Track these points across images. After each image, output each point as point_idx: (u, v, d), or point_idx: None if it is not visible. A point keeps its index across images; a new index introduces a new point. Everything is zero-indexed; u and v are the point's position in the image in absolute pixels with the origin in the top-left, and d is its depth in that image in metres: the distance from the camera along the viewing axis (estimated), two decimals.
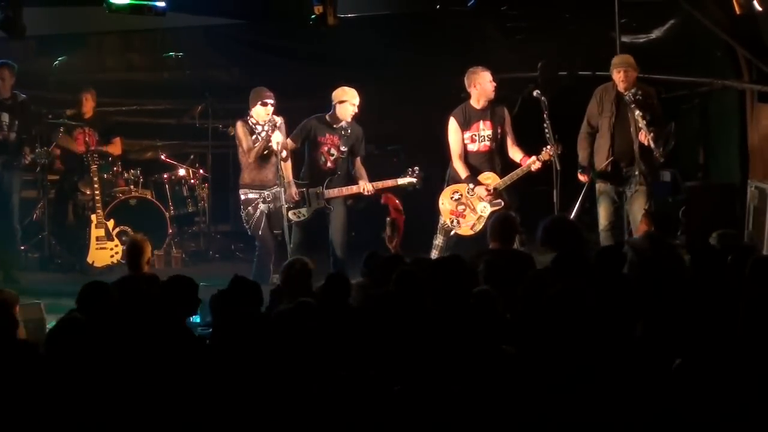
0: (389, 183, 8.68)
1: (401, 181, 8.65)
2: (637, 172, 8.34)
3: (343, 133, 8.68)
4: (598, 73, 10.05)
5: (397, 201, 7.85)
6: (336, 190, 8.65)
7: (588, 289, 5.19)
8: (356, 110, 8.61)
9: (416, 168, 8.66)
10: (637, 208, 8.29)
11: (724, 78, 10.31)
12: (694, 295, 5.18)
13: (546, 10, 10.53)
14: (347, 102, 8.60)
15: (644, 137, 8.19)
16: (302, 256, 8.30)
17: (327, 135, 8.68)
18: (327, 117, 8.67)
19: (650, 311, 4.82)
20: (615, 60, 8.49)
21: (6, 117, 9.09)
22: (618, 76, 8.35)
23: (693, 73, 10.57)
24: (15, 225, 9.26)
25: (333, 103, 8.64)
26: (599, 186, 8.51)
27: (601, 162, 8.42)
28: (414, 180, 8.61)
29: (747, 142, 10.14)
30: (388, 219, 7.34)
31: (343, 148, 8.68)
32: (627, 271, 6.00)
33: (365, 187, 8.64)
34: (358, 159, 8.79)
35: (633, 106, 8.21)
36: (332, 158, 8.70)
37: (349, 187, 8.68)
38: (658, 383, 4.13)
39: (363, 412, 4.20)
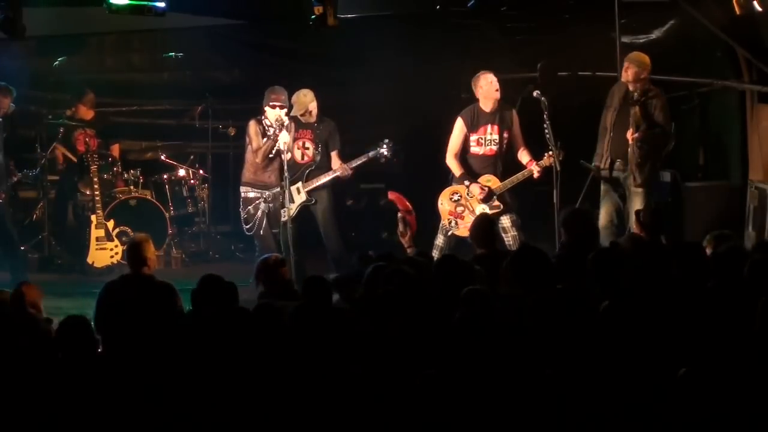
0: (362, 158, 8.78)
1: (371, 153, 8.74)
2: (628, 172, 8.34)
3: (315, 126, 8.77)
4: (598, 73, 10.06)
5: (406, 202, 7.87)
6: (315, 180, 8.69)
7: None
8: (311, 112, 8.64)
9: (386, 140, 8.70)
10: (632, 207, 8.29)
11: (724, 78, 10.30)
12: (680, 297, 5.15)
13: (546, 11, 10.52)
14: (298, 107, 8.64)
15: (630, 135, 8.22)
16: (297, 254, 8.43)
17: (300, 130, 8.77)
18: (297, 115, 8.71)
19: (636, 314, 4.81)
20: (628, 55, 8.55)
21: None
22: (622, 70, 8.43)
23: (693, 74, 10.57)
24: (10, 229, 9.12)
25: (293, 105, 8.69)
26: (602, 185, 8.55)
27: (602, 156, 8.46)
28: (383, 150, 8.68)
29: (747, 143, 10.14)
30: (399, 215, 7.37)
31: (317, 142, 8.76)
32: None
33: (343, 169, 8.68)
34: (336, 152, 8.84)
35: (633, 103, 8.24)
36: (308, 152, 8.78)
37: (327, 173, 8.73)
38: (660, 391, 4.10)
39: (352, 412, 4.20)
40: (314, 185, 8.73)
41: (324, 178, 8.74)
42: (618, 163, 8.45)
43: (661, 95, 8.55)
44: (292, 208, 8.63)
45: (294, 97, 8.69)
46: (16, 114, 9.32)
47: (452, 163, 8.53)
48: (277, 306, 5.11)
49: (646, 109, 8.33)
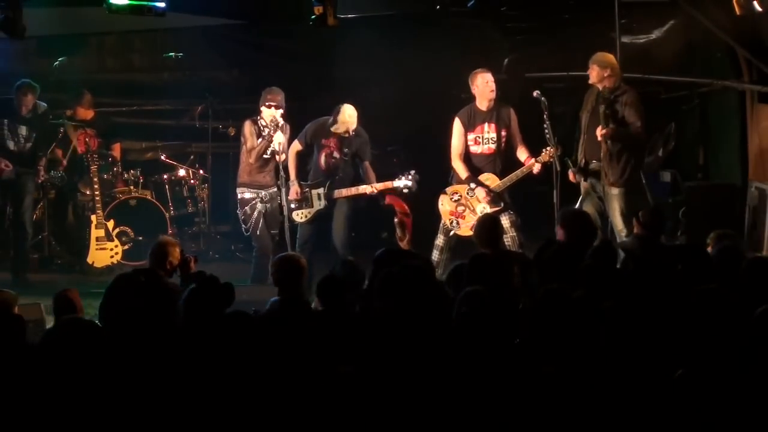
0: (386, 184, 8.70)
1: (397, 183, 8.63)
2: (602, 172, 8.30)
3: (345, 138, 8.68)
4: None
5: (404, 204, 7.81)
6: (337, 191, 8.65)
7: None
8: (351, 132, 8.59)
9: (412, 171, 8.64)
10: (612, 210, 8.27)
11: (724, 78, 10.31)
12: (684, 296, 5.15)
13: (546, 11, 10.53)
14: (339, 125, 8.57)
15: (599, 131, 8.18)
16: (306, 255, 8.42)
17: (330, 138, 8.69)
18: (330, 121, 8.66)
19: (646, 314, 4.80)
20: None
21: (24, 129, 9.30)
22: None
23: (693, 74, 10.58)
24: (27, 229, 9.38)
25: (334, 115, 8.61)
26: (583, 185, 8.51)
27: (579, 160, 8.46)
28: (410, 183, 8.58)
29: (747, 143, 10.15)
30: (395, 220, 7.31)
31: (345, 150, 8.69)
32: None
33: (372, 189, 8.64)
34: (366, 162, 8.79)
35: (601, 101, 8.22)
36: (333, 161, 8.70)
37: (349, 188, 8.70)
38: (657, 393, 4.09)
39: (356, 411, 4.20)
40: (336, 197, 8.64)
41: (346, 194, 8.64)
42: (594, 164, 8.41)
43: (632, 92, 8.40)
44: (311, 213, 8.62)
45: (340, 115, 8.54)
46: (46, 113, 9.40)
47: (458, 165, 8.50)
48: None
49: (614, 107, 8.28)
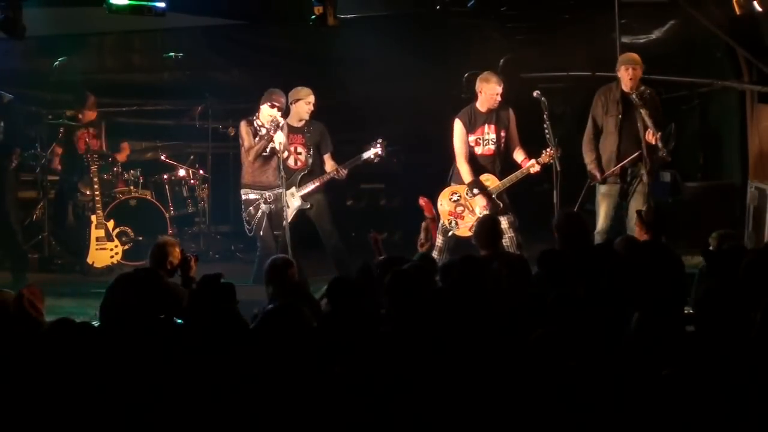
0: (355, 160, 8.75)
1: (365, 154, 8.71)
2: (643, 171, 8.33)
3: (305, 131, 8.74)
4: (598, 73, 10.07)
5: (433, 210, 7.79)
6: (310, 184, 8.68)
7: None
8: (312, 108, 8.67)
9: (380, 139, 8.69)
10: (637, 205, 8.29)
11: (724, 78, 10.31)
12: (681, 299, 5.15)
13: (546, 11, 10.53)
14: (302, 101, 8.67)
15: (651, 136, 8.19)
16: (298, 257, 8.41)
17: (291, 135, 8.72)
18: (287, 119, 8.70)
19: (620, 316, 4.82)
20: (622, 57, 8.50)
21: None
22: (626, 74, 8.35)
23: (693, 74, 10.58)
24: (13, 226, 9.20)
25: (288, 103, 8.66)
26: (604, 188, 8.49)
27: (608, 162, 8.42)
28: (378, 150, 8.66)
29: (747, 143, 10.16)
30: (423, 224, 7.30)
31: (309, 144, 8.75)
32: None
33: (337, 171, 8.67)
34: (328, 155, 8.83)
35: (641, 104, 8.22)
36: (301, 157, 8.75)
37: (321, 177, 8.72)
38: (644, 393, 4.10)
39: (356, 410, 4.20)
40: (308, 189, 8.70)
41: (318, 182, 8.72)
42: (628, 165, 8.41)
43: (651, 88, 8.52)
44: (289, 213, 8.63)
45: (294, 93, 8.66)
46: (11, 103, 9.20)
47: (464, 168, 8.44)
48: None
49: (652, 107, 8.31)
